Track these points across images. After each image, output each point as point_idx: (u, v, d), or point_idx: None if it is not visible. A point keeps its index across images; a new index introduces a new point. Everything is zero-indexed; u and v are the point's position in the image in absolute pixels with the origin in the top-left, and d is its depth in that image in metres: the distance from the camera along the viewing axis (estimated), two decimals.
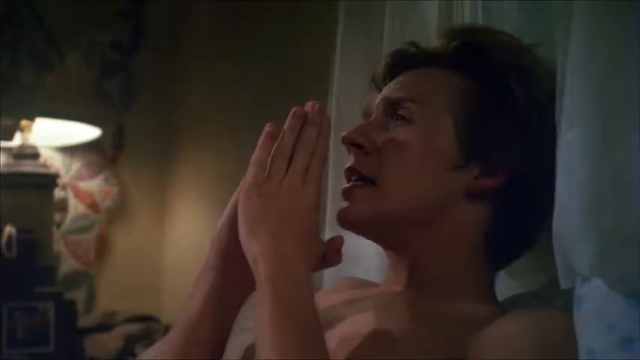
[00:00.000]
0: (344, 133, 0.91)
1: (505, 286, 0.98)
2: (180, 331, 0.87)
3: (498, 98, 0.89)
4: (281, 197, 0.79)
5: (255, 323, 0.75)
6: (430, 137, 0.89)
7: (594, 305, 0.70)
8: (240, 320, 0.89)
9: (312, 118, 0.83)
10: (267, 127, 0.83)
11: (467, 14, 1.18)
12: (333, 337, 0.83)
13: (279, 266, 0.76)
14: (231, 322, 0.88)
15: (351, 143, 0.90)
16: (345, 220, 0.90)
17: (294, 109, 0.84)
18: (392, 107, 0.91)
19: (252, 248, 0.78)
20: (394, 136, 0.89)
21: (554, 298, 0.92)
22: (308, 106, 0.84)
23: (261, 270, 0.76)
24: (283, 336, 0.72)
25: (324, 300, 0.92)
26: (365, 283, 1.03)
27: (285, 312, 0.74)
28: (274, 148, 0.82)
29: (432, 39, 1.04)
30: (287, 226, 0.78)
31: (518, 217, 0.90)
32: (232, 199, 0.85)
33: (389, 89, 0.94)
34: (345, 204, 0.90)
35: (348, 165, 0.91)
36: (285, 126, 0.83)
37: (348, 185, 0.90)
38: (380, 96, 0.94)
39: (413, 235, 0.88)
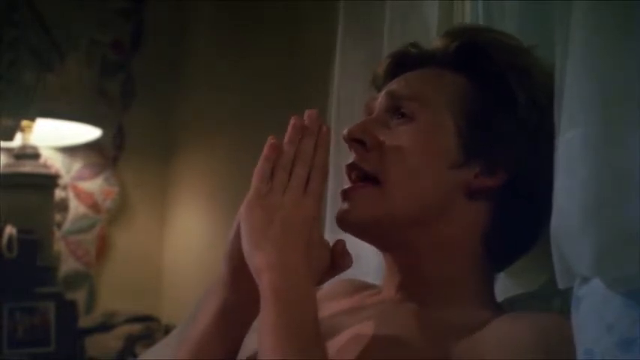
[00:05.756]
0: (345, 130, 0.91)
1: (504, 286, 0.98)
2: (191, 344, 0.88)
3: (498, 98, 0.89)
4: (283, 209, 0.79)
5: (258, 333, 0.76)
6: (431, 136, 0.89)
7: (593, 305, 0.70)
8: None
9: (309, 128, 0.83)
10: (270, 139, 0.83)
11: (467, 14, 1.18)
12: (332, 347, 0.83)
13: (283, 278, 0.76)
14: (241, 339, 0.88)
15: (352, 139, 0.90)
16: (345, 222, 0.89)
17: (292, 120, 0.84)
18: (394, 103, 0.91)
19: (256, 260, 0.78)
20: (396, 134, 0.89)
21: (552, 299, 0.92)
22: (305, 115, 0.84)
23: (265, 281, 0.76)
24: (284, 347, 0.73)
25: (324, 308, 0.92)
26: (364, 286, 1.03)
27: (287, 323, 0.74)
28: (277, 160, 0.82)
29: (432, 39, 1.04)
30: (291, 238, 0.78)
31: (518, 216, 0.89)
32: (238, 215, 0.84)
33: (394, 84, 0.93)
34: (345, 205, 0.89)
35: (349, 162, 0.90)
36: (286, 138, 0.83)
37: (348, 186, 0.90)
38: (384, 90, 0.94)
39: (412, 235, 0.88)
